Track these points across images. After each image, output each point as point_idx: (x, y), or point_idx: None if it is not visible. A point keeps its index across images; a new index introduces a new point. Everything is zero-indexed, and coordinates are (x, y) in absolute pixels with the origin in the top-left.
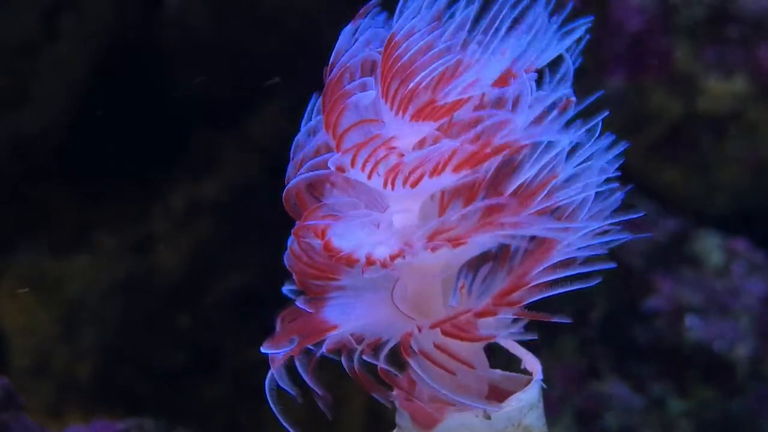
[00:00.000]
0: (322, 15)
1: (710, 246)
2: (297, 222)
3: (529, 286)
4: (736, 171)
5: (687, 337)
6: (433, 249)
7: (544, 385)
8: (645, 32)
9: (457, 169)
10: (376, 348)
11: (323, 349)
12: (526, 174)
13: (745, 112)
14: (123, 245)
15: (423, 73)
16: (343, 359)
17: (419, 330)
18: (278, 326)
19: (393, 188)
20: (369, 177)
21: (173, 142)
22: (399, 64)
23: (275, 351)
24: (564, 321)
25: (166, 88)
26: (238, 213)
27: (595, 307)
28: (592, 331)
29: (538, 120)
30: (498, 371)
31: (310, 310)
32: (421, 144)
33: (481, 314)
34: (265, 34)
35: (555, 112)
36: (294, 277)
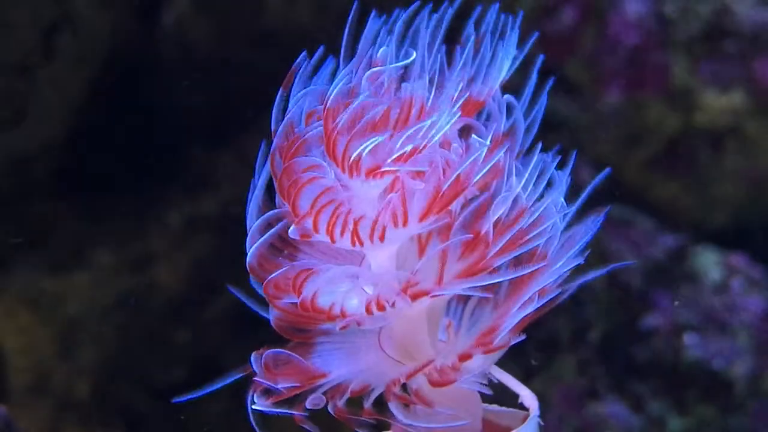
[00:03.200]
0: (319, 31)
1: (709, 262)
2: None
3: (508, 328)
4: (734, 185)
5: (685, 355)
6: (413, 299)
7: (541, 422)
8: (642, 47)
9: (422, 218)
10: (364, 394)
11: (311, 399)
12: (496, 211)
13: (742, 127)
14: (121, 262)
15: (369, 139)
16: (330, 404)
17: (402, 379)
18: (261, 368)
19: (362, 245)
20: (333, 240)
21: (171, 159)
22: (339, 128)
23: (264, 407)
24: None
25: (164, 105)
26: (235, 229)
27: (594, 327)
28: (591, 352)
29: (490, 156)
30: (494, 406)
31: (299, 357)
32: (382, 196)
33: (462, 359)
34: (263, 49)
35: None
36: (278, 322)
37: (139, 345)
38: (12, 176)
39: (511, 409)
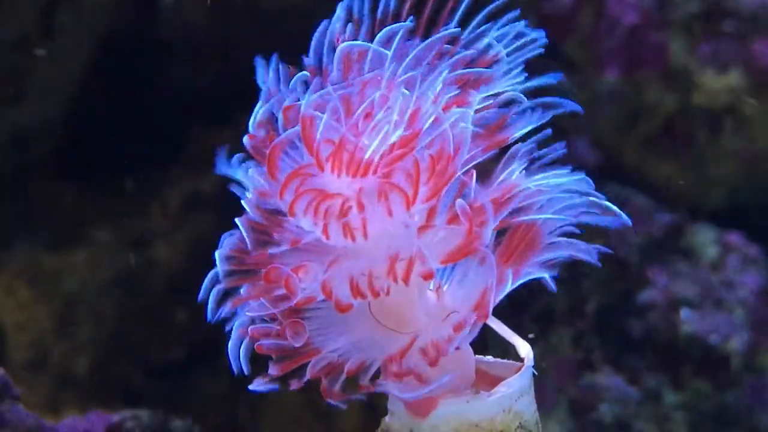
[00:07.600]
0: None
1: (705, 240)
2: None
3: (501, 296)
4: (731, 165)
5: (682, 329)
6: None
7: (535, 372)
8: (640, 27)
9: (410, 206)
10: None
11: (307, 376)
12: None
13: (740, 107)
14: (120, 240)
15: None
16: (325, 381)
17: (398, 357)
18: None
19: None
20: (328, 237)
21: (170, 138)
22: (320, 136)
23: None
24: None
25: (163, 84)
26: (235, 208)
27: (590, 300)
28: (587, 324)
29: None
30: (489, 358)
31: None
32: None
33: (457, 330)
34: (262, 30)
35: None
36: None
37: (138, 323)
38: (12, 154)
39: (504, 360)
